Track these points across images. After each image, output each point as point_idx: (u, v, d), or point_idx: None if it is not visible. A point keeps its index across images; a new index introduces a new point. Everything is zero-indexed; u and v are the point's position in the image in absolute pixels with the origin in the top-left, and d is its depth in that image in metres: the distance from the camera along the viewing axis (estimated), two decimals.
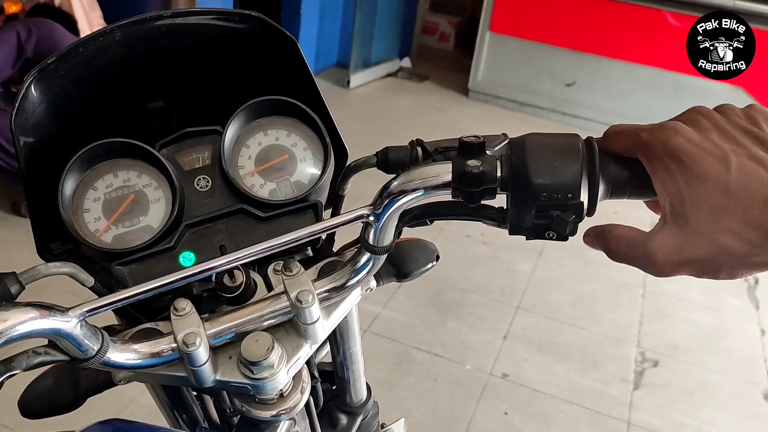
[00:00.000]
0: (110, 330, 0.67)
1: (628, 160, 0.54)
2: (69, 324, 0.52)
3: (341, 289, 0.66)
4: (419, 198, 0.58)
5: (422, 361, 2.57)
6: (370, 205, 0.60)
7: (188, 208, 0.72)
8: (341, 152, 0.79)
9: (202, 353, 0.60)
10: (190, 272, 0.60)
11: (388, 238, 0.63)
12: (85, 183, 0.71)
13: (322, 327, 0.65)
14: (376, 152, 0.67)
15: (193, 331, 0.60)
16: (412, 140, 0.64)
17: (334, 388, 0.96)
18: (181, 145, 0.76)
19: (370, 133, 4.36)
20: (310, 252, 0.78)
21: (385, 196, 0.58)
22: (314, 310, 0.63)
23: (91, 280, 0.60)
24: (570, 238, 0.54)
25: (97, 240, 0.69)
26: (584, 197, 0.53)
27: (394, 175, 0.60)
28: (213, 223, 0.72)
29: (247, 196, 0.72)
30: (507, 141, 0.58)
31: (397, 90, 5.70)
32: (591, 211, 0.54)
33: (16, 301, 0.54)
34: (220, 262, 0.60)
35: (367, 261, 0.65)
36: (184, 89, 0.79)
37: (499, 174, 0.54)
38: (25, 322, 0.49)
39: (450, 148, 0.59)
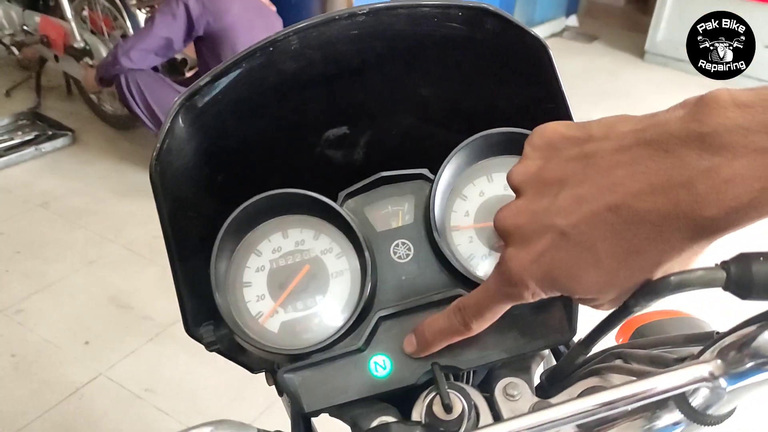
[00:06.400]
0: None
1: None
2: None
3: None
4: None
5: None
6: (716, 357, 0.34)
7: (382, 287, 0.51)
8: None
9: None
10: None
11: (729, 407, 0.37)
12: (246, 247, 0.52)
13: None
14: (724, 263, 0.38)
15: None
16: None
17: None
18: (372, 195, 0.54)
19: None
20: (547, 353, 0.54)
21: (749, 356, 0.33)
22: None
23: None
24: None
25: (260, 331, 0.50)
26: None
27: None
28: (416, 313, 0.50)
29: (464, 274, 0.50)
30: None
31: (563, 52, 5.20)
32: None
33: None
34: (527, 423, 0.37)
35: (677, 425, 0.40)
36: (374, 112, 0.57)
37: None
38: None
39: None
